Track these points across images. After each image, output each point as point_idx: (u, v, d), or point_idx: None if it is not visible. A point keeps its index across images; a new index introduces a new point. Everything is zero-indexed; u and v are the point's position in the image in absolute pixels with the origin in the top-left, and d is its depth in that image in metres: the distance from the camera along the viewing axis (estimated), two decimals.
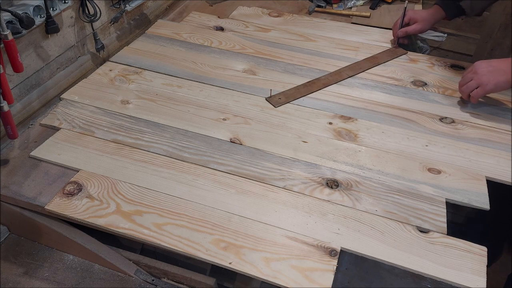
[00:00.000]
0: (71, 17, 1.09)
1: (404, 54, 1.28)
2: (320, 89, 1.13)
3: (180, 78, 1.16)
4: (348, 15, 1.49)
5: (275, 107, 1.06)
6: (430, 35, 1.35)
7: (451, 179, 0.89)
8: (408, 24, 1.28)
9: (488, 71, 0.99)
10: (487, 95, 1.06)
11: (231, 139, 0.97)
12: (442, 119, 1.04)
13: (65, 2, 1.04)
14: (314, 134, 0.99)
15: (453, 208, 0.85)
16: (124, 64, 1.20)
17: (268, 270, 0.72)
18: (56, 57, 1.08)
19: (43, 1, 0.96)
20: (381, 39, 1.33)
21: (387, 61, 1.25)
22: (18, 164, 0.91)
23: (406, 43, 1.31)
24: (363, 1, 1.53)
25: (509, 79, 0.96)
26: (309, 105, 1.08)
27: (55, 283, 0.79)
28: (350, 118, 1.04)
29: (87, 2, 1.09)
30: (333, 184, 0.87)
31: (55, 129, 0.99)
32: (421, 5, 1.53)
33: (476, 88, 1.01)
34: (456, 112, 1.07)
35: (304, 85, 1.14)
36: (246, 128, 1.00)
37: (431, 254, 0.75)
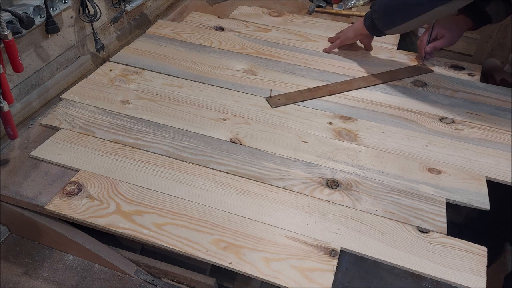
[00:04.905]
0: (71, 17, 1.09)
1: (430, 72, 1.20)
2: (324, 96, 1.10)
3: (180, 78, 1.16)
4: (348, 15, 1.49)
5: (272, 107, 1.06)
6: None
7: (451, 179, 0.89)
8: (436, 39, 1.20)
9: (347, 28, 1.29)
10: (484, 95, 1.10)
11: (231, 139, 0.97)
12: (442, 119, 1.04)
13: (65, 2, 1.04)
14: (314, 134, 0.99)
15: (453, 208, 0.85)
16: (124, 64, 1.20)
17: (268, 270, 0.72)
18: (56, 57, 1.08)
19: (43, 1, 0.96)
20: (381, 39, 1.33)
21: (406, 77, 1.18)
22: (18, 164, 0.91)
23: (433, 57, 1.26)
24: (363, 1, 1.53)
25: (355, 29, 1.25)
26: (309, 105, 1.08)
27: (55, 283, 0.79)
28: (350, 118, 1.04)
29: (87, 2, 1.09)
30: (333, 184, 0.87)
31: (55, 129, 0.99)
32: None
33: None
34: (456, 112, 1.07)
35: (309, 90, 1.12)
36: (246, 128, 1.00)
37: (431, 254, 0.75)
